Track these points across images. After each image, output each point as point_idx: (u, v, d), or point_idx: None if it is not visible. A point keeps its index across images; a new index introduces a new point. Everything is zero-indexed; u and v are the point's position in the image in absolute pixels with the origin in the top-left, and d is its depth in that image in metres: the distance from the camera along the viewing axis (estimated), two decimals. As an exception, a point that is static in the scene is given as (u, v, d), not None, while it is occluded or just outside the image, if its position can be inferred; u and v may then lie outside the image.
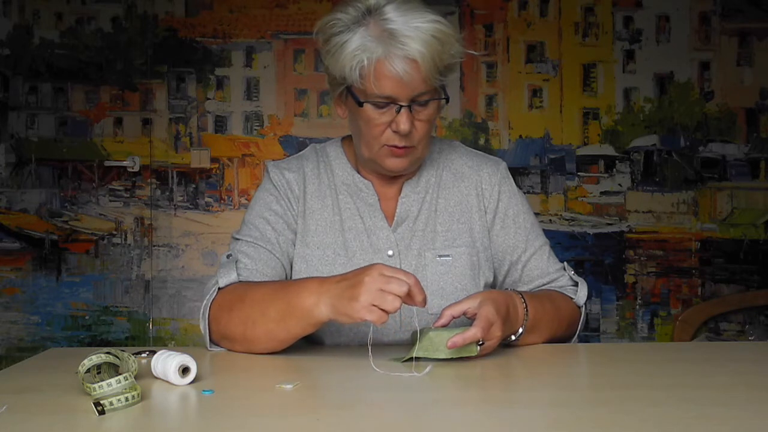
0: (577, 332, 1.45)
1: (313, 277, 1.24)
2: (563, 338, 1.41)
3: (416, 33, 1.22)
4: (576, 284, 1.45)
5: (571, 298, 1.43)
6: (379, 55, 1.23)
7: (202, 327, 1.30)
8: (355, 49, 1.24)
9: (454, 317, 1.22)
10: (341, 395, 1.02)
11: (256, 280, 1.33)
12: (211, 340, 1.29)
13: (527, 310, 1.28)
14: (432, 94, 1.30)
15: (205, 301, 1.30)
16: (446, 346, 1.14)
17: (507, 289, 1.46)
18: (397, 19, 1.23)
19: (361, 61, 1.23)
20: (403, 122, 1.27)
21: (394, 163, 1.34)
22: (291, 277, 1.40)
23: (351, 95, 1.30)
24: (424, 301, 1.13)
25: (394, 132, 1.29)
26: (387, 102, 1.27)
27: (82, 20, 3.09)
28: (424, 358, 1.16)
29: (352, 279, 1.13)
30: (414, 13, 1.24)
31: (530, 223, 1.48)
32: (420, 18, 1.23)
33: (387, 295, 1.08)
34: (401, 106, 1.26)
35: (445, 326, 1.21)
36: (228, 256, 1.36)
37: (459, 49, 1.29)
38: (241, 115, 3.11)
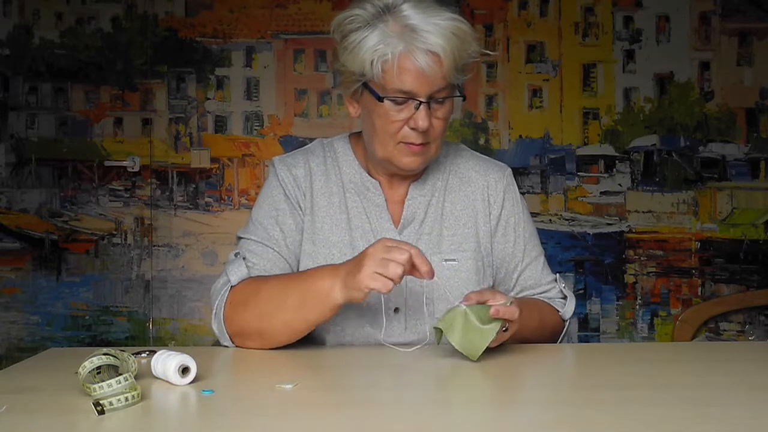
0: (557, 342, 1.46)
1: (326, 265, 1.27)
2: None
3: (436, 29, 1.23)
4: (565, 297, 1.47)
5: (558, 311, 1.45)
6: (401, 50, 1.24)
7: (215, 327, 1.31)
8: (377, 43, 1.24)
9: (478, 301, 1.20)
10: (341, 395, 1.02)
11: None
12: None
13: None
14: (449, 91, 1.30)
15: (217, 301, 1.32)
16: (489, 315, 1.14)
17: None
18: (415, 16, 1.24)
19: (384, 55, 1.24)
20: (422, 119, 1.27)
21: (409, 161, 1.34)
22: None
23: (369, 91, 1.30)
24: (431, 272, 1.17)
25: (412, 129, 1.29)
26: (406, 98, 1.27)
27: (82, 20, 3.09)
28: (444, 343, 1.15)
29: (359, 255, 1.19)
30: (432, 11, 1.25)
31: (529, 232, 1.49)
32: (439, 15, 1.25)
33: (389, 263, 1.13)
34: (420, 103, 1.27)
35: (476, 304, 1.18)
36: (236, 255, 1.37)
37: (476, 48, 1.30)
38: (241, 115, 3.11)
